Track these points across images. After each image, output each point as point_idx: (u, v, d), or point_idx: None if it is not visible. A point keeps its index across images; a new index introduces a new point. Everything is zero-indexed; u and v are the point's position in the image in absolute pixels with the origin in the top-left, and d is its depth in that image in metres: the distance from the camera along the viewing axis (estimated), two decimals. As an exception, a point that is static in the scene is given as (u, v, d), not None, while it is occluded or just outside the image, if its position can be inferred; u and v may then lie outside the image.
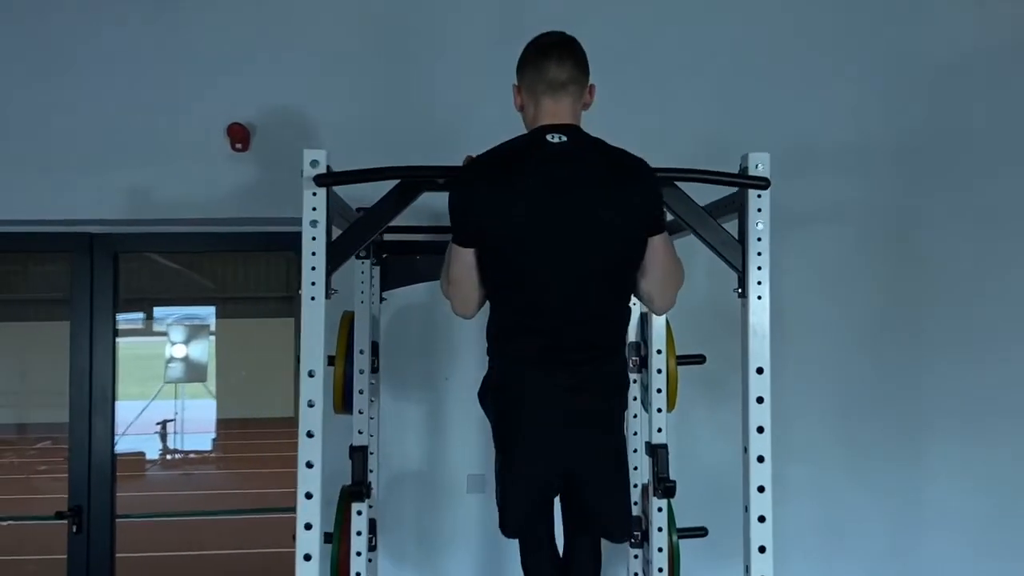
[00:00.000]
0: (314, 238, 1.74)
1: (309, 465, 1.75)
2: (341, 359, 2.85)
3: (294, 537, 3.11)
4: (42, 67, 3.34)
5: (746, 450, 1.80)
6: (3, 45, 3.34)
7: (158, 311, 10.65)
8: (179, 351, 9.67)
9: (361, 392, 2.67)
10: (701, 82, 3.36)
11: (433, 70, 3.40)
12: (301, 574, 1.78)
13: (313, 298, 1.74)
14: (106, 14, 3.35)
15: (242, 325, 11.18)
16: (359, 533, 2.62)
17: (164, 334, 9.90)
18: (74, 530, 3.51)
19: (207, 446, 10.49)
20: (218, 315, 11.10)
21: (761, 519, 1.78)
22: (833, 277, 3.37)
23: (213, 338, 10.57)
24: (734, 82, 3.37)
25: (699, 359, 2.91)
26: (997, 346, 3.36)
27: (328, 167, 1.78)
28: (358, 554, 2.58)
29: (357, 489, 2.59)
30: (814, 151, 3.29)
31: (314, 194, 1.74)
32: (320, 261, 1.74)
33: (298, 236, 3.37)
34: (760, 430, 1.78)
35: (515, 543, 2.47)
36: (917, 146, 3.39)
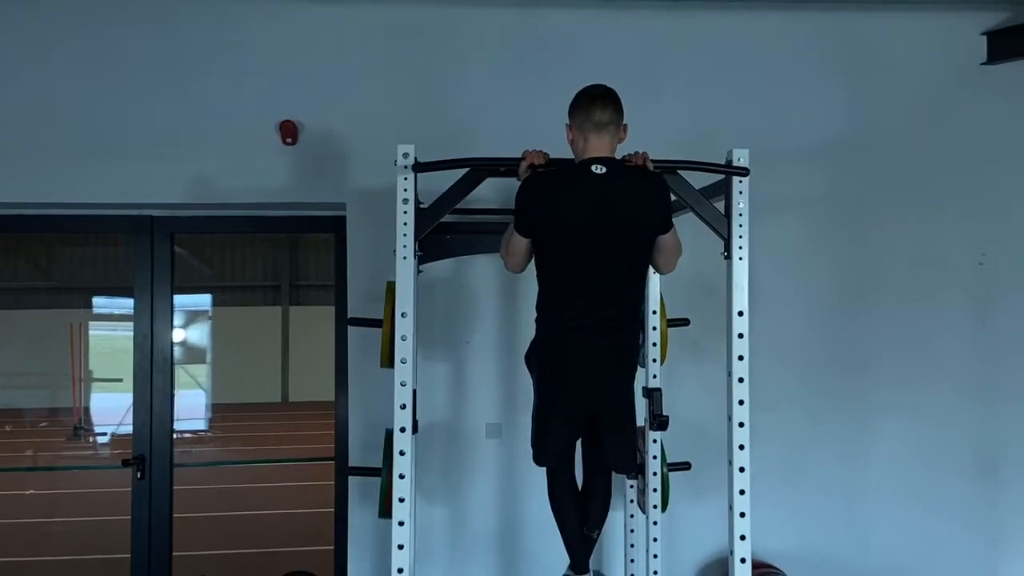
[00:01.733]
0: (405, 212, 2.29)
1: (403, 384, 2.28)
2: (388, 321, 3.35)
3: (350, 471, 3.65)
4: (109, 61, 3.78)
5: (729, 419, 2.40)
6: (73, 44, 3.78)
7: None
8: (178, 335, 10.12)
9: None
10: (685, 89, 3.91)
11: (451, 75, 3.90)
12: (397, 487, 2.29)
13: (405, 258, 2.29)
14: (172, 23, 3.81)
15: (235, 313, 11.65)
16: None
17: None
18: (138, 476, 3.99)
19: (202, 427, 10.98)
20: (214, 303, 11.58)
21: (741, 469, 2.39)
22: (796, 257, 3.91)
23: (211, 323, 11.07)
24: (713, 89, 3.92)
25: (684, 322, 3.50)
26: (933, 312, 3.97)
27: (416, 158, 2.31)
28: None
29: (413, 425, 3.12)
30: (780, 149, 3.80)
31: (405, 179, 2.28)
32: (410, 230, 2.30)
33: (336, 219, 3.91)
34: (741, 380, 2.38)
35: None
36: (871, 144, 3.95)
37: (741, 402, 2.36)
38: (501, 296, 3.88)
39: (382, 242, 3.80)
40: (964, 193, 3.99)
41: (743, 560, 2.36)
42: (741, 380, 2.37)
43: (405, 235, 2.30)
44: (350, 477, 3.85)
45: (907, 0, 3.92)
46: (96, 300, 11.12)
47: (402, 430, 2.31)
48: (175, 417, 4.12)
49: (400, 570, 2.28)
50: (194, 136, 3.81)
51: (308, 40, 3.87)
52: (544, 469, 2.89)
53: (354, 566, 3.80)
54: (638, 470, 3.27)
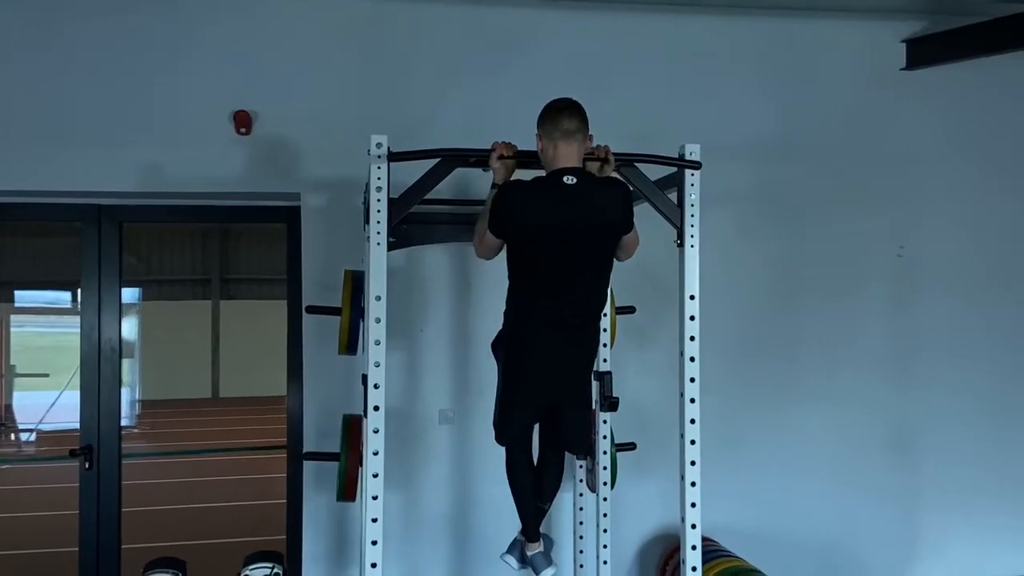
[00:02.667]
0: (379, 200, 2.39)
1: (376, 364, 2.39)
2: (347, 309, 3.45)
3: (306, 456, 3.72)
4: (62, 49, 3.75)
5: (681, 395, 2.60)
6: (27, 30, 3.74)
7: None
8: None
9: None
10: (629, 87, 4.09)
11: (405, 68, 3.98)
12: (370, 463, 2.40)
13: (379, 244, 2.40)
14: (125, 10, 3.79)
15: (164, 308, 11.41)
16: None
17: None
18: (86, 467, 3.97)
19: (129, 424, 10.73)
20: (142, 297, 11.32)
21: (692, 442, 2.59)
22: (728, 251, 4.07)
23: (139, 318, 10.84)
24: (656, 88, 4.11)
25: (630, 309, 3.69)
26: (856, 303, 4.26)
27: (388, 148, 2.42)
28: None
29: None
30: (715, 147, 3.98)
31: (379, 168, 2.38)
32: (383, 217, 2.40)
33: (288, 209, 3.96)
34: (692, 359, 2.58)
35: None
36: (800, 143, 4.20)
37: (692, 379, 2.54)
38: (454, 286, 4.00)
39: (336, 232, 3.93)
40: (885, 190, 4.28)
41: (694, 526, 2.54)
42: (692, 359, 2.55)
43: (379, 222, 2.41)
44: (305, 464, 3.92)
45: (833, 8, 4.17)
46: (19, 294, 10.74)
47: (376, 408, 2.41)
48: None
49: (374, 542, 2.39)
50: (146, 125, 3.81)
51: (263, 31, 3.91)
52: (502, 450, 3.03)
53: (308, 548, 3.87)
54: (589, 451, 3.44)
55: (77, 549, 3.98)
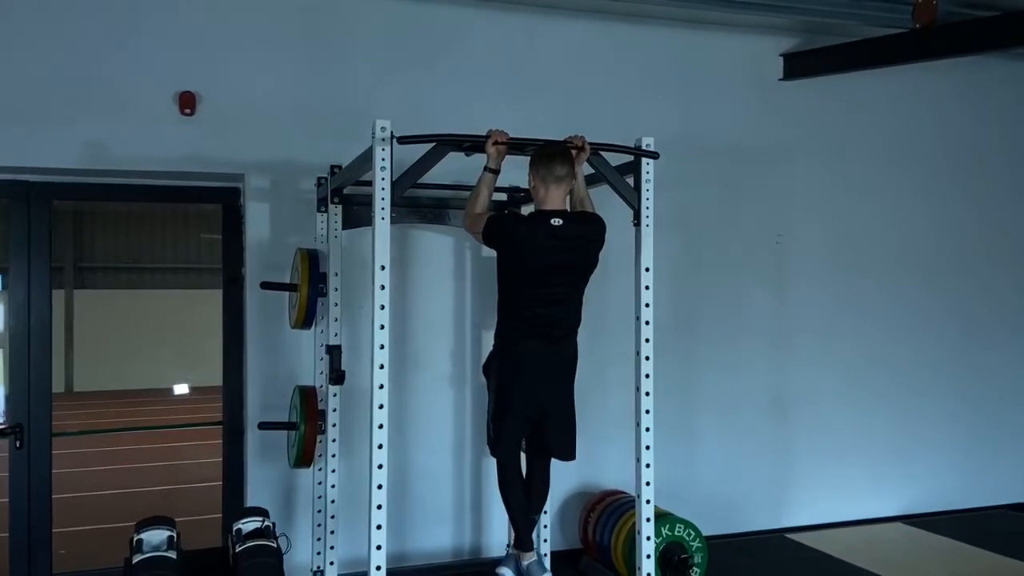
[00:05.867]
0: (383, 179, 2.64)
1: (382, 327, 2.65)
2: (305, 284, 3.64)
3: (263, 426, 3.86)
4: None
5: (638, 353, 3.00)
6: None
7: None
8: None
9: (336, 304, 3.53)
10: (553, 83, 4.48)
11: (345, 57, 4.19)
12: (376, 415, 2.66)
13: (383, 219, 2.65)
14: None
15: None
16: (335, 410, 3.51)
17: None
18: (16, 446, 3.91)
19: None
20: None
21: (647, 393, 3.03)
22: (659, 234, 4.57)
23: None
24: (575, 86, 4.52)
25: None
26: (742, 283, 4.86)
27: (392, 132, 2.67)
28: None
29: (339, 375, 3.44)
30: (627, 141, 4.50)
31: (383, 150, 2.64)
32: (387, 195, 2.65)
33: (227, 190, 4.07)
34: (647, 323, 2.99)
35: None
36: (695, 142, 4.71)
37: (647, 340, 2.96)
38: (393, 267, 4.19)
39: (280, 212, 4.08)
40: (765, 185, 4.91)
41: (648, 501, 3.02)
42: (647, 323, 2.97)
43: (383, 199, 2.65)
44: (249, 438, 4.05)
45: (723, 23, 4.73)
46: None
47: (380, 387, 2.70)
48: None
49: (379, 506, 2.64)
50: (87, 102, 3.82)
51: (210, 12, 4.01)
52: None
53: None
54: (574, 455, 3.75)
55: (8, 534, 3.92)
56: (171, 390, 11.31)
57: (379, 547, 2.66)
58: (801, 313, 4.96)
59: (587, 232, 3.09)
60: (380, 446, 2.70)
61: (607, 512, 4.13)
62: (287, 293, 3.92)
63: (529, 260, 3.03)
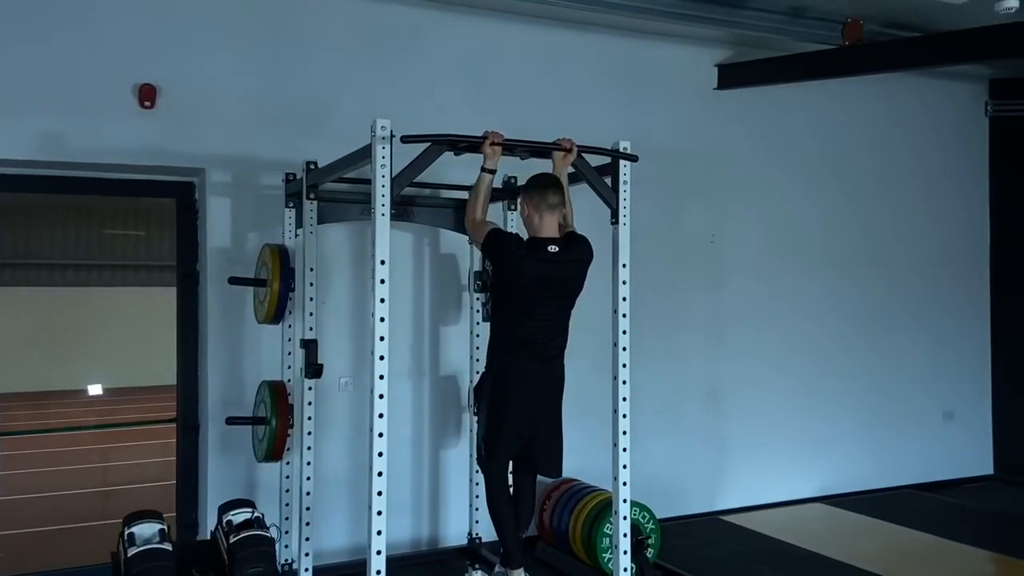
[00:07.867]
0: (383, 176, 2.72)
1: (382, 319, 2.72)
2: (276, 279, 3.65)
3: (231, 421, 3.86)
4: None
5: (615, 344, 3.20)
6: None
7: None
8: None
9: (312, 299, 3.57)
10: (508, 85, 4.62)
11: (306, 53, 4.22)
12: (377, 405, 2.73)
13: (383, 215, 2.73)
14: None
15: None
16: (310, 403, 3.55)
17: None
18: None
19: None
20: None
21: (624, 382, 3.24)
22: (589, 231, 4.70)
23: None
24: (529, 89, 4.68)
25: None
26: (682, 279, 5.12)
27: (391, 132, 2.75)
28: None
29: (316, 368, 3.48)
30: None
31: (383, 148, 2.71)
32: (386, 191, 2.73)
33: (183, 185, 4.05)
34: (624, 315, 3.17)
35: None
36: (638, 147, 4.89)
37: (624, 332, 3.15)
38: (353, 263, 4.27)
39: (240, 207, 4.07)
40: (701, 188, 5.20)
41: (624, 483, 3.25)
42: (624, 315, 3.16)
43: (383, 196, 2.73)
44: (208, 434, 4.02)
45: (664, 33, 4.96)
46: None
47: (380, 377, 2.78)
48: None
49: (379, 492, 2.72)
50: (42, 92, 3.73)
51: (170, 4, 3.96)
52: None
53: (209, 514, 3.97)
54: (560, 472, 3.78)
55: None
56: (85, 391, 10.77)
57: (379, 532, 2.75)
58: (734, 308, 5.28)
59: (579, 256, 3.26)
60: (380, 454, 2.81)
61: (564, 499, 4.30)
62: (252, 288, 3.92)
63: (525, 284, 3.17)
